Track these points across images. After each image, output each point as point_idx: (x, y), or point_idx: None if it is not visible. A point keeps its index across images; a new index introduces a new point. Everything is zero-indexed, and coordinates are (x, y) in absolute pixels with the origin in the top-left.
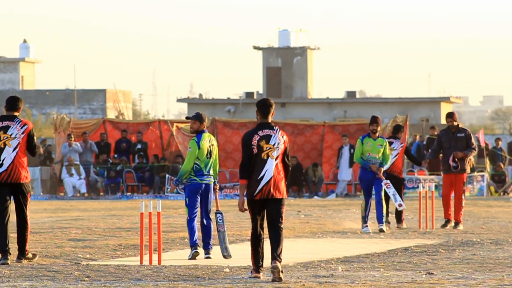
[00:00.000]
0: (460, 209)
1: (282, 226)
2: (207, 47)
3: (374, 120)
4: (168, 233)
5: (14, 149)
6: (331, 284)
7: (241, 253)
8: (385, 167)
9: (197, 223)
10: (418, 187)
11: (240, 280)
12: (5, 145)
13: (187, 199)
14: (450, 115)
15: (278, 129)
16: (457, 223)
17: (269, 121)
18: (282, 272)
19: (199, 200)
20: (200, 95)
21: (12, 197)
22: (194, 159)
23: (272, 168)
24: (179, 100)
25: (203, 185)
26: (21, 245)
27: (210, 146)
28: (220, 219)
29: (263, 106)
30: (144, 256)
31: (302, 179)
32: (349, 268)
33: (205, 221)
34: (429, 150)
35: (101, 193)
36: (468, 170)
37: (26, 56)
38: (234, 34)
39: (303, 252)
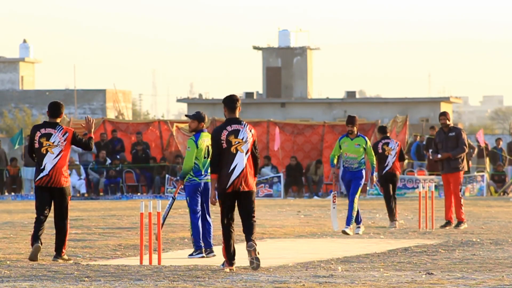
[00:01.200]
0: (460, 207)
1: (254, 216)
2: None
3: (350, 120)
4: (168, 233)
5: (56, 156)
6: (331, 284)
7: (241, 253)
8: (372, 171)
9: (200, 223)
10: (418, 187)
11: (240, 280)
12: (47, 151)
13: (188, 198)
14: (442, 114)
15: (246, 124)
16: (459, 222)
17: (237, 116)
18: (259, 253)
19: (199, 199)
20: (200, 95)
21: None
22: (193, 158)
23: (242, 162)
24: (179, 100)
25: (203, 184)
26: (58, 245)
27: (208, 146)
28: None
29: (230, 102)
30: (144, 256)
31: (302, 179)
32: (349, 268)
33: (207, 219)
34: (429, 151)
35: (101, 193)
36: (466, 169)
37: (26, 56)
38: (234, 34)
39: (303, 252)
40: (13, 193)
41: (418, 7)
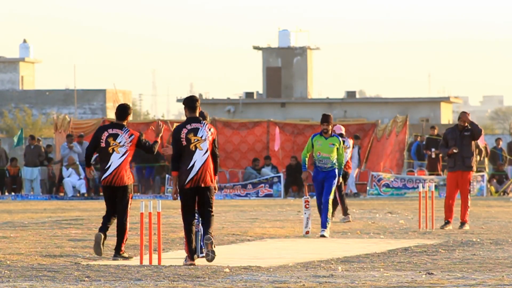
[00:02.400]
0: (466, 209)
1: (212, 211)
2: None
3: (325, 119)
4: (168, 233)
5: (121, 156)
6: (331, 284)
7: (241, 253)
8: (340, 171)
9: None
10: (418, 187)
11: (240, 280)
12: (113, 150)
13: None
14: (462, 115)
15: (206, 123)
16: (463, 223)
17: (197, 115)
18: (215, 246)
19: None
20: (200, 95)
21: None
22: None
23: (200, 159)
24: (179, 100)
25: None
26: (118, 243)
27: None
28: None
29: (190, 102)
30: (144, 256)
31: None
32: (349, 268)
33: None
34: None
35: (101, 193)
36: (474, 169)
37: (26, 56)
38: (234, 34)
39: (303, 252)
40: (13, 193)
41: (418, 7)
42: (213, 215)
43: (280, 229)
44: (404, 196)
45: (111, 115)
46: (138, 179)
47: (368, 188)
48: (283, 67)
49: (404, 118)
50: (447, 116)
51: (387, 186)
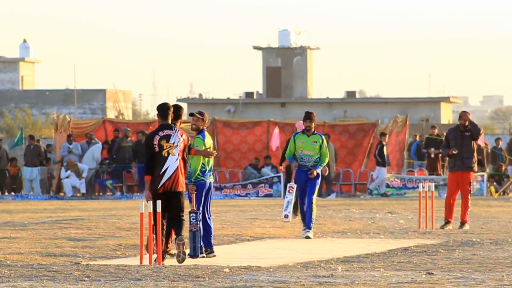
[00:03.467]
0: (467, 209)
1: (183, 216)
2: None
3: (308, 116)
4: None
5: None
6: (331, 284)
7: (241, 253)
8: (320, 168)
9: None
10: (418, 187)
11: (240, 280)
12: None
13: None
14: (462, 114)
15: (178, 129)
16: (463, 223)
17: (169, 122)
18: (186, 247)
19: (203, 200)
20: (200, 95)
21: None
22: (201, 157)
23: (173, 164)
24: (179, 100)
25: (207, 183)
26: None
27: (210, 146)
28: (193, 219)
29: (162, 110)
30: (144, 256)
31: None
32: (349, 268)
33: (207, 220)
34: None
35: (101, 194)
36: (475, 169)
37: (26, 56)
38: (234, 34)
39: (303, 252)
40: (13, 193)
41: (418, 7)
42: (183, 220)
43: (280, 229)
44: (404, 196)
45: (111, 115)
46: (139, 179)
47: (368, 188)
48: (283, 67)
49: (404, 118)
50: (447, 116)
51: (387, 186)
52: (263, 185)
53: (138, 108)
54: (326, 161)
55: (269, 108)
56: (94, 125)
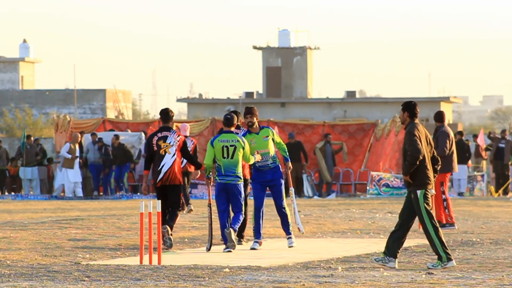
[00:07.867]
0: (440, 209)
1: (178, 208)
2: (207, 47)
3: (248, 111)
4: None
5: (173, 156)
6: (331, 284)
7: (241, 253)
8: (289, 162)
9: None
10: None
11: (240, 280)
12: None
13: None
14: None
15: (175, 131)
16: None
17: (169, 125)
18: (172, 234)
19: (225, 198)
20: (200, 95)
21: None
22: (210, 156)
23: (169, 162)
24: (179, 100)
25: (222, 184)
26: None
27: (227, 147)
28: (209, 212)
29: (163, 114)
30: (144, 256)
31: (302, 179)
32: (349, 268)
33: (238, 216)
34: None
35: (101, 193)
36: (455, 170)
37: (26, 56)
38: (234, 34)
39: (303, 252)
40: (13, 193)
41: (418, 7)
42: (177, 212)
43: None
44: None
45: (111, 115)
46: (139, 179)
47: (368, 188)
48: (283, 67)
49: None
50: (447, 116)
51: (387, 186)
52: None
53: (138, 108)
54: (285, 148)
55: (269, 108)
56: (94, 125)
